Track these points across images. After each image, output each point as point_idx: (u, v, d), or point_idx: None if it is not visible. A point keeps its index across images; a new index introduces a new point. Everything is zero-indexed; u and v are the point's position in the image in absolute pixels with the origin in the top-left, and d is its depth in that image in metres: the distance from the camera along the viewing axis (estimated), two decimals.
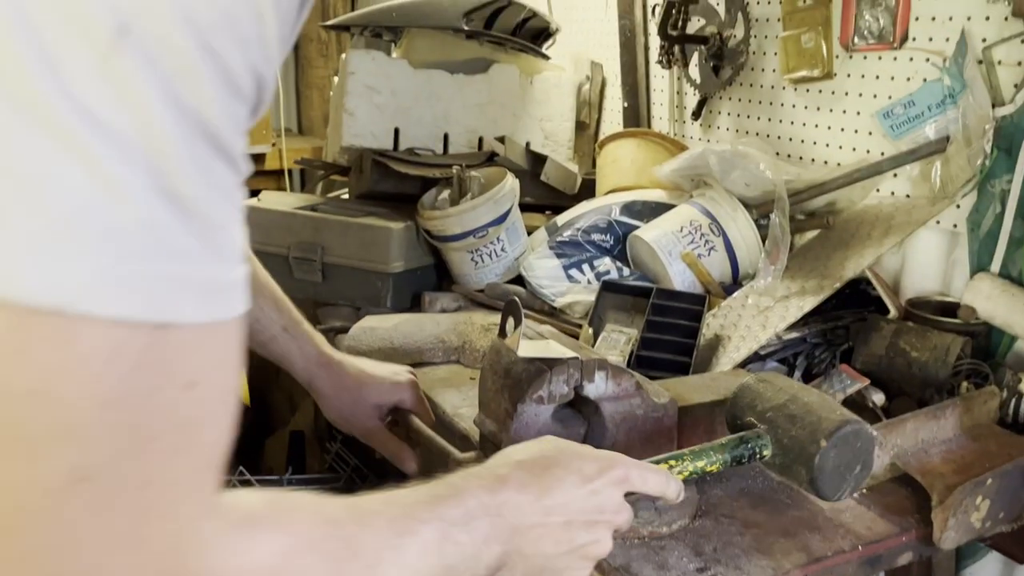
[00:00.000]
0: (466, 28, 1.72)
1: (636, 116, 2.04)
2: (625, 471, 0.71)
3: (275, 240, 1.65)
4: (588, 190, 1.88)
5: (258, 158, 3.40)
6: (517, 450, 0.70)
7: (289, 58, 4.14)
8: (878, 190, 1.44)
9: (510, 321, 0.89)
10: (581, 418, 0.90)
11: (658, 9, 1.83)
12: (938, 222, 1.34)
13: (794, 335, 1.26)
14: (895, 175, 1.40)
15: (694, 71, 1.82)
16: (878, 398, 1.16)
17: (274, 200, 1.80)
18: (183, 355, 0.40)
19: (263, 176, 3.44)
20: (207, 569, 0.44)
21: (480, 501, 0.63)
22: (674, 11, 1.73)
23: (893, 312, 1.29)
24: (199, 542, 0.44)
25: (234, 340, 0.44)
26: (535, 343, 0.88)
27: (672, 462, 0.78)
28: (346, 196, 1.95)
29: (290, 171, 3.56)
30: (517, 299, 0.89)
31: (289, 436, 2.00)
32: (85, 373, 0.38)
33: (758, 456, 0.82)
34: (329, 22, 1.89)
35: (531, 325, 0.97)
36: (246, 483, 1.50)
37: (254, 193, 1.87)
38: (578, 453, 0.70)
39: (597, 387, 0.87)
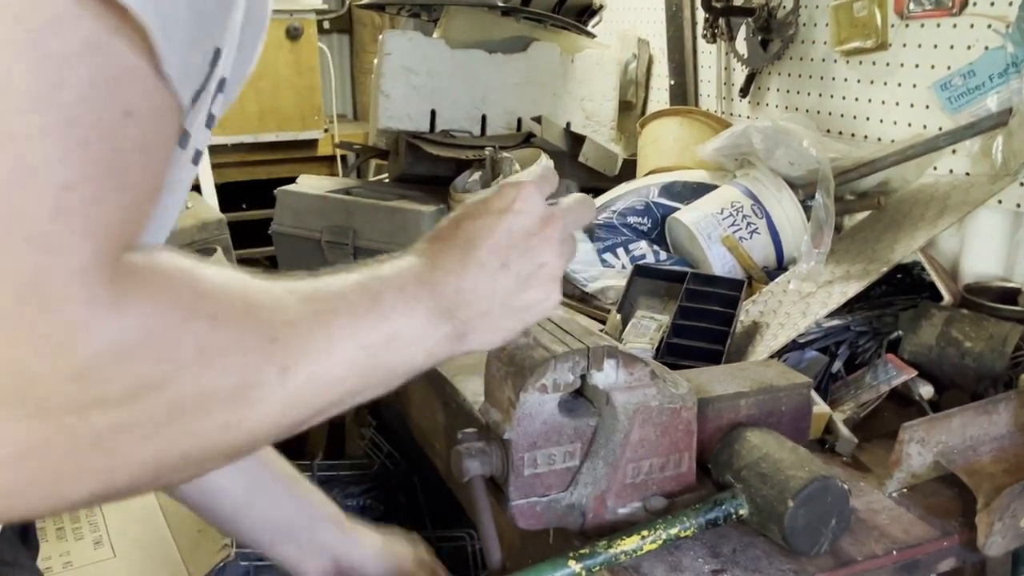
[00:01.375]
0: (502, 5, 1.67)
1: (683, 94, 1.97)
2: (530, 186, 0.65)
3: (308, 224, 1.63)
4: (631, 171, 1.82)
5: (310, 143, 3.42)
6: (429, 235, 0.65)
7: (343, 43, 4.15)
8: (935, 168, 1.35)
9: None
10: (592, 408, 0.85)
11: None
12: (1000, 201, 1.24)
13: (836, 322, 1.18)
14: (953, 151, 1.31)
15: (741, 46, 1.74)
16: (925, 391, 1.08)
17: (310, 184, 1.79)
18: (126, 80, 0.39)
19: (315, 161, 3.46)
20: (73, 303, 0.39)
21: (405, 282, 0.58)
22: None
23: (947, 298, 1.20)
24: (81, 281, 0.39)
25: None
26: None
27: (644, 532, 0.77)
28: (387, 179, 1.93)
29: (343, 156, 3.57)
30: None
31: (328, 421, 2.00)
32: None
33: (734, 516, 0.81)
34: (362, 2, 1.86)
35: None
36: None
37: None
38: (478, 198, 0.66)
39: (607, 376, 0.81)
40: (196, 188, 3.05)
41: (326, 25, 3.84)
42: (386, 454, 1.64)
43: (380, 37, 1.81)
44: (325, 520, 0.94)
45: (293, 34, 3.23)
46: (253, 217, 3.16)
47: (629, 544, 0.79)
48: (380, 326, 0.55)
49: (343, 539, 0.93)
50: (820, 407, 1.03)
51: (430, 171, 1.71)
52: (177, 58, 0.42)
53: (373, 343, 0.54)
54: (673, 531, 0.80)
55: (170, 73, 0.42)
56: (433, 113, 1.82)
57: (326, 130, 3.46)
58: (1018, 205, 1.22)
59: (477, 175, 1.59)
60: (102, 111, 0.39)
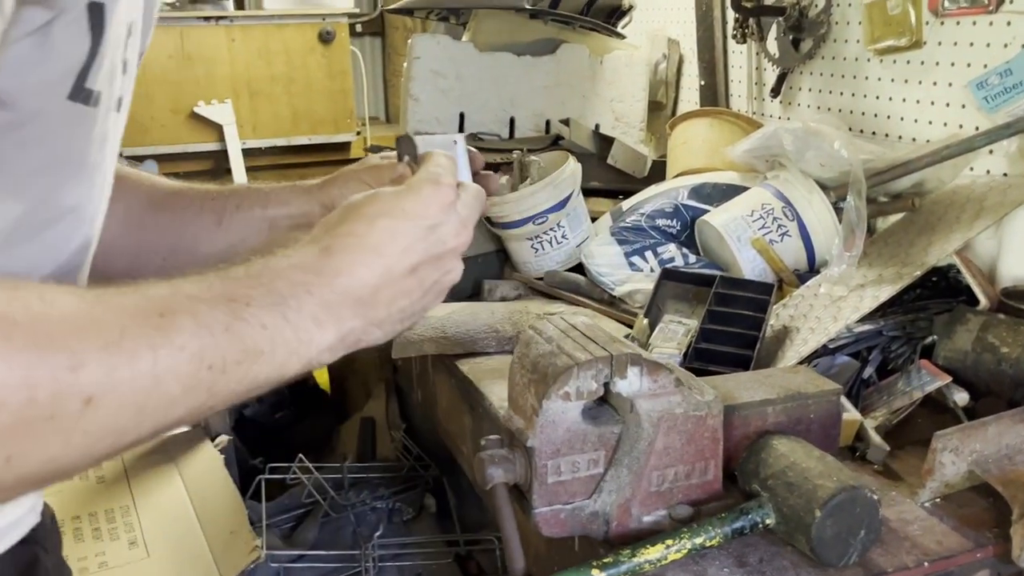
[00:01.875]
0: (529, 7, 1.67)
1: (713, 94, 1.95)
2: (449, 191, 0.64)
3: None
4: (660, 172, 1.81)
5: (343, 146, 3.45)
6: (330, 219, 0.62)
7: (375, 45, 4.18)
8: (971, 168, 1.32)
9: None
10: (616, 415, 0.84)
11: None
12: None
13: (868, 327, 1.16)
14: (990, 151, 1.28)
15: (772, 45, 1.72)
16: (960, 397, 1.06)
17: None
18: None
19: (348, 164, 3.49)
20: None
21: (297, 282, 0.54)
22: None
23: (984, 302, 1.17)
24: None
25: None
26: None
27: (669, 541, 0.76)
28: None
29: (372, 152, 3.58)
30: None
31: (360, 423, 2.02)
32: None
33: (760, 525, 0.80)
34: (391, 6, 1.87)
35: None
36: (305, 470, 1.51)
37: None
38: (394, 195, 0.62)
39: (630, 384, 0.81)
40: None
41: (358, 28, 3.88)
42: (415, 456, 1.64)
43: (409, 41, 1.82)
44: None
45: (325, 38, 3.26)
46: None
47: (653, 553, 0.78)
48: (240, 343, 0.50)
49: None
50: (851, 414, 1.01)
51: None
52: None
53: (225, 360, 0.49)
54: (698, 540, 0.80)
55: None
56: (462, 116, 1.82)
57: (358, 133, 3.49)
58: None
59: (505, 178, 1.59)
60: None
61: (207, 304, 0.49)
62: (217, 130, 3.16)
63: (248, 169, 3.20)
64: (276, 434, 2.01)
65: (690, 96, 2.07)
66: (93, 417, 0.43)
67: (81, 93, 0.50)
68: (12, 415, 0.40)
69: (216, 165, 3.22)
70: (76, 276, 0.60)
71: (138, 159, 2.89)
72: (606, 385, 0.80)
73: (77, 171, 0.54)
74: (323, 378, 2.49)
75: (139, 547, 1.46)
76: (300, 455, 1.56)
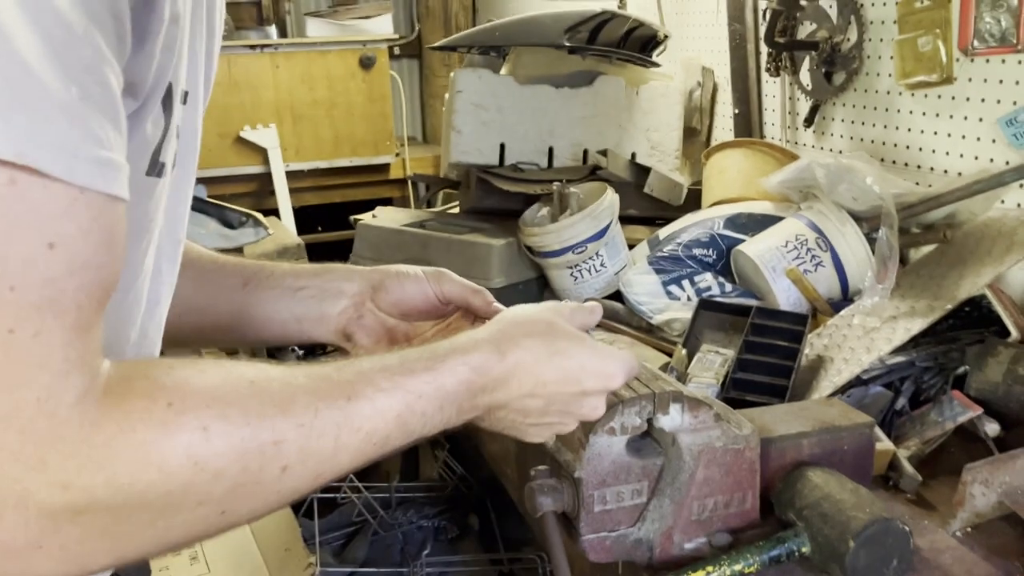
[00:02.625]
0: (568, 44, 1.73)
1: (747, 123, 1.99)
2: (619, 382, 0.75)
3: (386, 257, 1.72)
4: (695, 200, 1.86)
5: (383, 168, 3.54)
6: (525, 323, 0.72)
7: (413, 67, 4.28)
8: (1003, 201, 1.35)
9: None
10: (658, 448, 0.89)
11: (767, 15, 1.77)
12: None
13: (901, 359, 1.20)
14: (1021, 186, 1.31)
15: (805, 77, 1.76)
16: (991, 428, 1.09)
17: (387, 217, 1.88)
18: (44, 210, 0.42)
19: (387, 185, 3.58)
20: (79, 431, 0.45)
21: (463, 381, 0.65)
22: (782, 18, 1.67)
23: (1015, 334, 1.21)
24: (71, 395, 0.45)
25: (106, 219, 0.45)
26: None
27: (710, 567, 0.82)
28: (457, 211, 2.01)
29: (423, 183, 3.69)
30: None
31: None
32: None
33: (796, 554, 0.85)
34: (436, 44, 1.95)
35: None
36: (355, 489, 1.57)
37: (376, 203, 1.95)
38: (586, 350, 0.73)
39: (672, 419, 0.86)
40: (275, 213, 3.20)
41: (396, 51, 3.97)
42: (459, 476, 1.70)
43: (451, 75, 1.89)
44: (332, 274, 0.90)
45: (366, 63, 3.36)
46: (328, 239, 3.30)
47: None
48: (403, 427, 0.60)
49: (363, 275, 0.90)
50: (884, 444, 1.05)
51: (500, 204, 1.78)
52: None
53: (388, 439, 0.60)
54: (737, 567, 0.84)
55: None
56: (502, 147, 1.89)
57: (397, 154, 3.58)
58: None
59: (546, 210, 1.65)
60: (21, 249, 0.42)
61: (385, 394, 0.59)
62: (262, 153, 3.26)
63: (292, 190, 3.30)
64: None
65: (724, 123, 2.12)
66: (287, 480, 0.53)
67: (155, 168, 0.56)
68: (230, 480, 0.50)
69: (260, 187, 3.32)
70: (154, 328, 0.66)
71: None
72: (649, 421, 0.86)
73: (150, 235, 0.60)
74: None
75: (200, 562, 1.53)
76: (350, 475, 1.63)
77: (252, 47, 3.22)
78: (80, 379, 0.45)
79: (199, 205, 2.62)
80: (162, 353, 0.70)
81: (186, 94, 0.59)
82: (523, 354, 0.69)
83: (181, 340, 0.88)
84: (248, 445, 0.51)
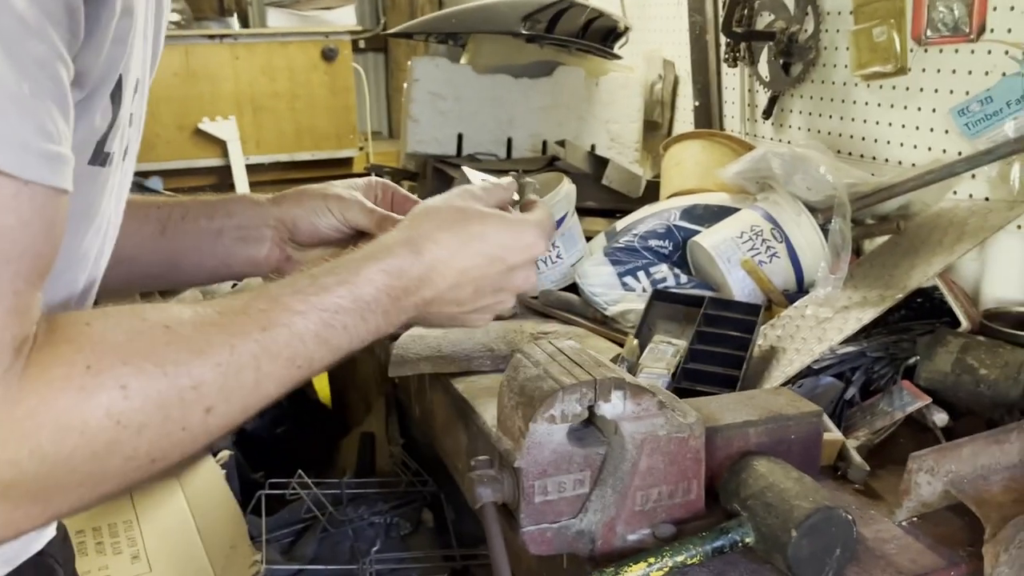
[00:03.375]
0: (525, 32, 1.71)
1: (707, 115, 1.98)
2: (542, 246, 0.76)
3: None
4: (655, 193, 1.84)
5: (346, 162, 3.50)
6: (436, 217, 0.72)
7: (378, 61, 4.23)
8: (955, 192, 1.35)
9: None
10: (601, 437, 0.87)
11: (726, 4, 1.77)
12: (1019, 227, 1.24)
13: (852, 349, 1.19)
14: (972, 176, 1.31)
15: (763, 68, 1.75)
16: (940, 418, 1.09)
17: None
18: None
19: (350, 179, 3.53)
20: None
21: (381, 287, 0.65)
22: (739, 7, 1.66)
23: (965, 324, 1.21)
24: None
25: (48, 210, 0.46)
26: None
27: (651, 559, 0.80)
28: None
29: (380, 174, 3.64)
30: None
31: (359, 437, 2.05)
32: None
33: (740, 544, 0.83)
34: (391, 30, 1.92)
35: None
36: (304, 486, 1.54)
37: None
38: (502, 227, 0.73)
39: (614, 407, 0.84)
40: None
41: (361, 44, 3.93)
42: (413, 472, 1.67)
43: (409, 63, 1.86)
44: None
45: (328, 55, 3.31)
46: None
47: (636, 571, 0.81)
48: (325, 345, 0.61)
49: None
50: (833, 434, 1.04)
51: None
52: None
53: (312, 359, 0.60)
54: (679, 559, 0.82)
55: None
56: (460, 137, 1.86)
57: (361, 148, 3.53)
58: None
59: None
60: None
61: (300, 315, 0.60)
62: (221, 146, 3.21)
63: (252, 184, 3.25)
64: (277, 448, 2.04)
65: (685, 116, 2.11)
66: (213, 420, 0.54)
67: (99, 157, 0.56)
68: (155, 431, 0.51)
69: (220, 181, 3.27)
70: (85, 306, 0.64)
71: (143, 175, 2.94)
72: (591, 408, 0.83)
73: (91, 222, 0.59)
74: (324, 392, 2.52)
75: (141, 561, 1.48)
76: (299, 471, 1.59)
77: (211, 37, 3.16)
78: (7, 358, 0.46)
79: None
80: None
81: (138, 82, 0.59)
82: (438, 249, 0.70)
83: (113, 291, 0.86)
84: (167, 395, 0.51)
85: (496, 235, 0.73)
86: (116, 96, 0.54)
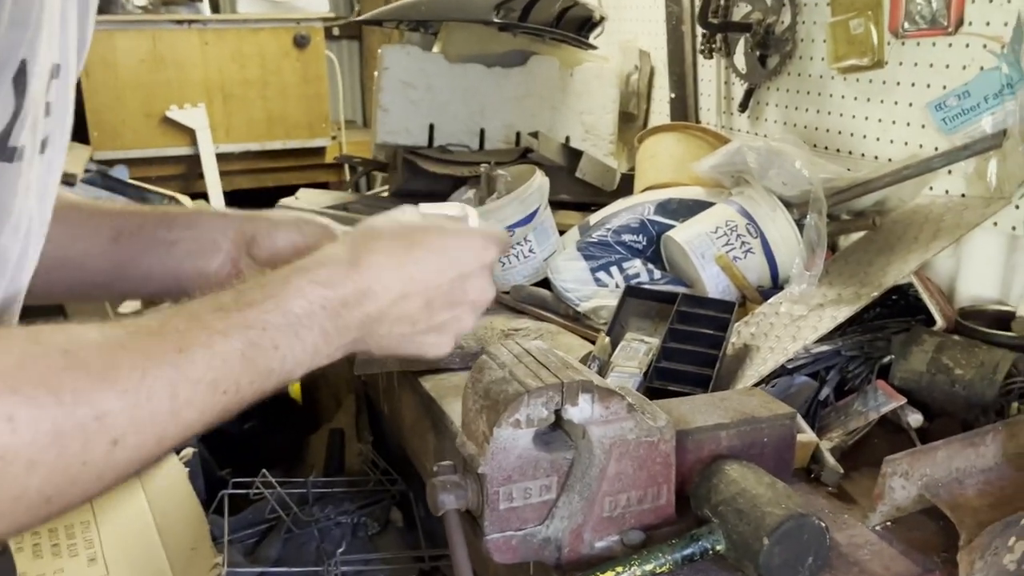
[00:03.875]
0: (498, 21, 1.67)
1: (683, 107, 1.96)
2: (494, 252, 0.70)
3: None
4: (630, 186, 1.81)
5: (318, 151, 3.43)
6: (375, 230, 0.67)
7: (352, 49, 4.17)
8: (931, 188, 1.33)
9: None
10: (568, 441, 0.84)
11: None
12: (995, 224, 1.22)
13: (826, 347, 1.17)
14: (949, 172, 1.29)
15: (740, 60, 1.73)
16: (914, 419, 1.07)
17: (310, 199, 1.80)
18: None
19: (322, 169, 3.48)
20: None
21: (314, 299, 0.58)
22: None
23: (940, 323, 1.19)
24: None
25: None
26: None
27: (619, 567, 0.77)
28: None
29: (352, 165, 3.59)
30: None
31: (328, 434, 2.01)
32: None
33: (711, 552, 0.81)
34: (360, 17, 1.87)
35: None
36: (268, 485, 1.50)
37: (311, 188, 1.87)
38: (446, 234, 0.68)
39: (582, 411, 0.81)
40: (204, 196, 3.08)
41: (335, 32, 3.86)
42: (382, 471, 1.64)
43: (379, 51, 1.82)
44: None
45: (300, 42, 3.25)
46: None
47: None
48: (253, 366, 0.54)
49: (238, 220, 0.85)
50: (807, 435, 1.02)
51: (427, 187, 1.71)
52: None
53: (239, 384, 0.54)
54: (648, 567, 0.80)
55: None
56: (431, 127, 1.82)
57: (334, 137, 3.47)
58: (1013, 228, 1.20)
59: (472, 192, 1.59)
60: None
61: (221, 335, 0.53)
62: (190, 134, 3.13)
63: (222, 174, 3.18)
64: (245, 445, 1.99)
65: (661, 108, 2.08)
66: (122, 453, 0.48)
67: (4, 153, 0.50)
68: (48, 467, 0.45)
69: (189, 170, 3.19)
70: (5, 318, 0.59)
71: (108, 163, 2.86)
72: (557, 412, 0.80)
73: (4, 222, 0.53)
74: (294, 387, 2.47)
75: (98, 564, 1.44)
76: (263, 470, 1.55)
77: (180, 22, 3.08)
78: None
79: (119, 187, 2.51)
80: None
81: (57, 67, 0.54)
82: (377, 257, 0.63)
83: (52, 298, 0.81)
84: (63, 426, 0.45)
85: (441, 240, 0.67)
86: (20, 83, 0.49)
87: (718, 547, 0.82)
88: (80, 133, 3.14)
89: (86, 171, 2.57)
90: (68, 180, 2.40)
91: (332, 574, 1.37)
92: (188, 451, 1.70)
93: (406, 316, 0.65)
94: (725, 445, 0.92)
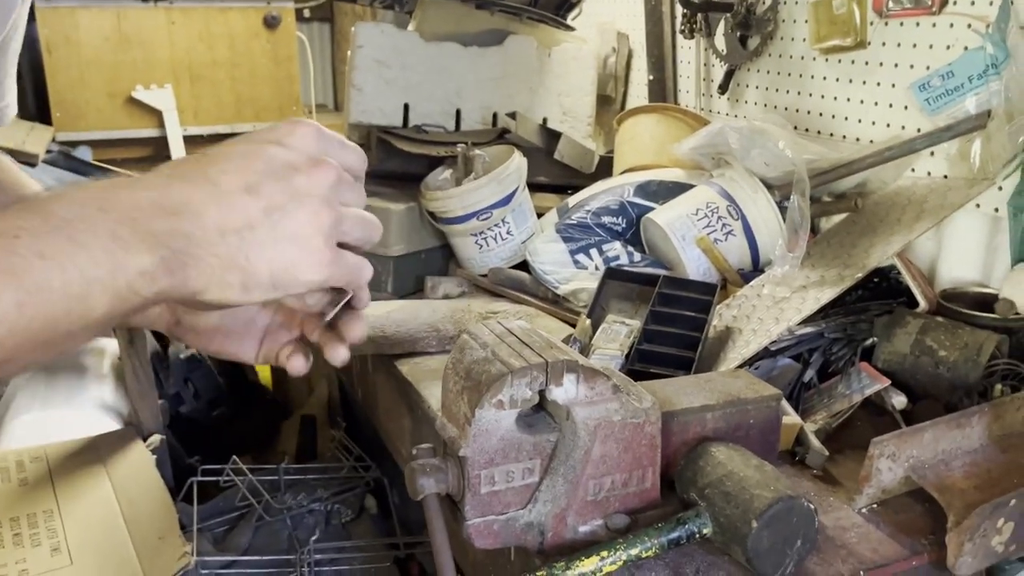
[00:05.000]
0: None
1: (662, 90, 1.93)
2: (313, 131, 0.56)
3: None
4: (608, 168, 1.79)
5: None
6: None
7: (324, 31, 4.10)
8: (913, 169, 1.32)
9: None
10: (552, 423, 0.82)
11: None
12: (978, 205, 1.22)
13: (810, 329, 1.15)
14: (931, 153, 1.28)
15: (720, 41, 1.71)
16: (899, 401, 1.06)
17: None
18: None
19: None
20: None
21: (87, 202, 0.46)
22: None
23: (923, 304, 1.18)
24: None
25: None
26: None
27: (604, 552, 0.75)
28: None
29: None
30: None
31: (300, 420, 1.97)
32: None
33: (698, 535, 0.79)
34: None
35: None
36: (239, 472, 1.46)
37: None
38: (246, 138, 0.55)
39: (567, 391, 0.78)
40: None
41: (306, 13, 3.79)
42: (356, 457, 1.60)
43: (352, 29, 1.77)
44: None
45: (270, 23, 3.18)
46: None
47: (588, 565, 0.76)
48: (15, 281, 0.43)
49: None
50: (791, 417, 1.00)
51: (402, 167, 1.67)
52: None
53: (5, 306, 0.42)
54: (634, 551, 0.78)
55: None
56: (406, 107, 1.78)
57: None
58: (996, 209, 1.19)
59: (449, 172, 1.55)
60: None
61: None
62: (157, 116, 3.06)
63: None
64: (214, 432, 1.95)
65: (639, 91, 2.06)
66: None
67: None
68: None
69: (156, 152, 3.12)
70: None
71: (71, 144, 2.79)
72: (541, 393, 0.78)
73: None
74: (265, 373, 2.42)
75: (62, 554, 1.39)
76: (234, 456, 1.51)
77: (145, 0, 3.00)
78: None
79: (81, 168, 2.43)
80: None
81: None
82: (173, 164, 0.52)
83: None
84: None
85: (240, 140, 0.55)
86: None
87: (705, 530, 0.80)
88: (42, 113, 3.05)
89: (48, 152, 2.49)
90: (30, 161, 2.32)
91: (304, 562, 1.33)
92: (156, 438, 1.65)
93: (232, 209, 0.50)
94: (711, 427, 0.90)
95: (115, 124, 3.01)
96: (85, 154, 2.65)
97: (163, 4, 3.02)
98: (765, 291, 1.24)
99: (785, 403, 1.02)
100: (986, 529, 0.80)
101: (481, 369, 0.78)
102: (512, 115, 1.71)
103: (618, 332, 1.19)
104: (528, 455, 0.79)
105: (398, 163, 1.67)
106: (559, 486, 0.80)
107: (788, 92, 1.58)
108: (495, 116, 1.82)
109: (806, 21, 1.48)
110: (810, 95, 1.53)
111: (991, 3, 1.16)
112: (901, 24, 1.31)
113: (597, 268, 1.42)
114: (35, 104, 3.20)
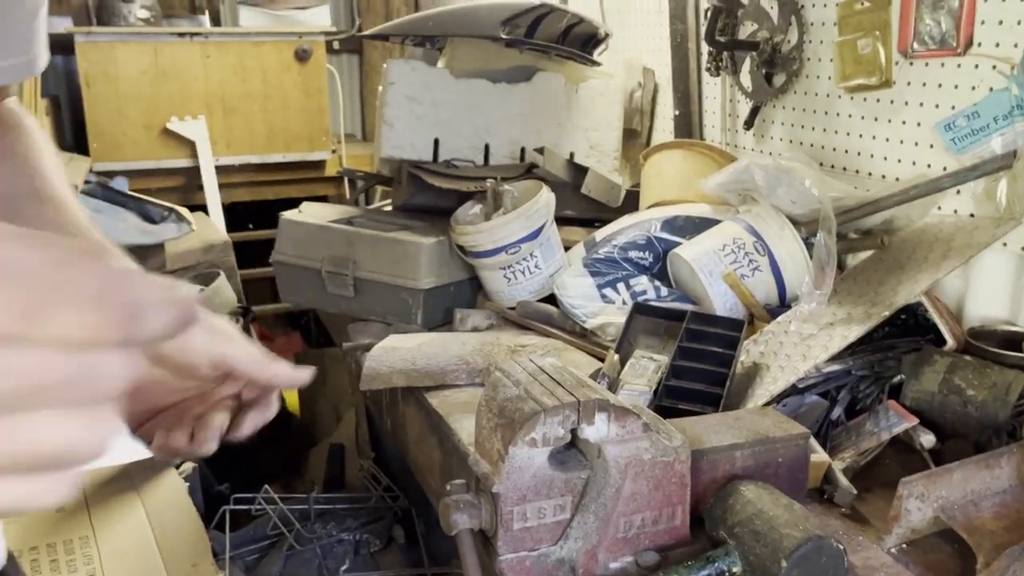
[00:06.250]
0: (504, 36, 1.67)
1: (687, 125, 1.96)
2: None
3: (309, 253, 1.63)
4: (634, 202, 1.81)
5: (318, 164, 3.43)
6: None
7: (352, 63, 4.17)
8: (940, 208, 1.33)
9: None
10: (583, 460, 0.83)
11: (708, 14, 1.74)
12: (1005, 244, 1.22)
13: (837, 367, 1.16)
14: (958, 192, 1.29)
15: (745, 79, 1.73)
16: (927, 440, 1.06)
17: (313, 213, 1.78)
18: None
19: (322, 182, 3.47)
20: None
21: None
22: (722, 16, 1.64)
23: (951, 343, 1.18)
24: None
25: None
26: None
27: None
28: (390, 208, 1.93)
29: (353, 179, 3.59)
30: None
31: (329, 449, 1.99)
32: None
33: (727, 574, 0.80)
34: (365, 32, 1.87)
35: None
36: (270, 501, 1.48)
37: (311, 201, 1.85)
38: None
39: (598, 430, 0.80)
40: (203, 208, 3.07)
41: (336, 45, 3.87)
42: (384, 487, 1.62)
43: (384, 66, 1.81)
44: None
45: (301, 56, 3.25)
46: (259, 238, 3.18)
47: None
48: None
49: None
50: (819, 455, 1.01)
51: (432, 202, 1.70)
52: None
53: None
54: None
55: None
56: (436, 142, 1.82)
57: (334, 151, 3.47)
58: (1023, 248, 1.20)
59: (479, 208, 1.58)
60: None
61: None
62: (190, 146, 3.13)
63: (221, 186, 3.17)
64: (243, 459, 1.97)
65: (665, 125, 2.08)
66: None
67: None
68: None
69: (188, 181, 3.19)
70: None
71: (108, 175, 2.86)
72: (573, 431, 0.79)
73: None
74: (293, 401, 2.46)
75: None
76: (265, 485, 1.53)
77: (181, 35, 3.09)
78: None
79: (118, 198, 2.49)
80: None
81: None
82: None
83: None
84: None
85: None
86: None
87: (734, 569, 0.81)
88: (80, 144, 3.13)
89: (86, 182, 2.56)
90: None
91: None
92: (188, 465, 1.68)
93: None
94: (740, 465, 0.91)
95: (150, 155, 3.08)
96: (122, 184, 2.72)
97: (198, 39, 3.10)
98: (792, 327, 1.25)
99: (813, 441, 1.03)
100: (1015, 571, 0.81)
101: (514, 407, 0.80)
102: (540, 150, 1.74)
103: (646, 367, 1.20)
104: (560, 492, 0.81)
105: (428, 197, 1.70)
106: (590, 523, 0.82)
107: (814, 129, 1.60)
108: (523, 151, 1.85)
109: (831, 60, 1.50)
110: (835, 132, 1.54)
111: (1015, 45, 1.18)
112: (926, 64, 1.33)
113: (624, 302, 1.44)
114: (73, 135, 3.29)
